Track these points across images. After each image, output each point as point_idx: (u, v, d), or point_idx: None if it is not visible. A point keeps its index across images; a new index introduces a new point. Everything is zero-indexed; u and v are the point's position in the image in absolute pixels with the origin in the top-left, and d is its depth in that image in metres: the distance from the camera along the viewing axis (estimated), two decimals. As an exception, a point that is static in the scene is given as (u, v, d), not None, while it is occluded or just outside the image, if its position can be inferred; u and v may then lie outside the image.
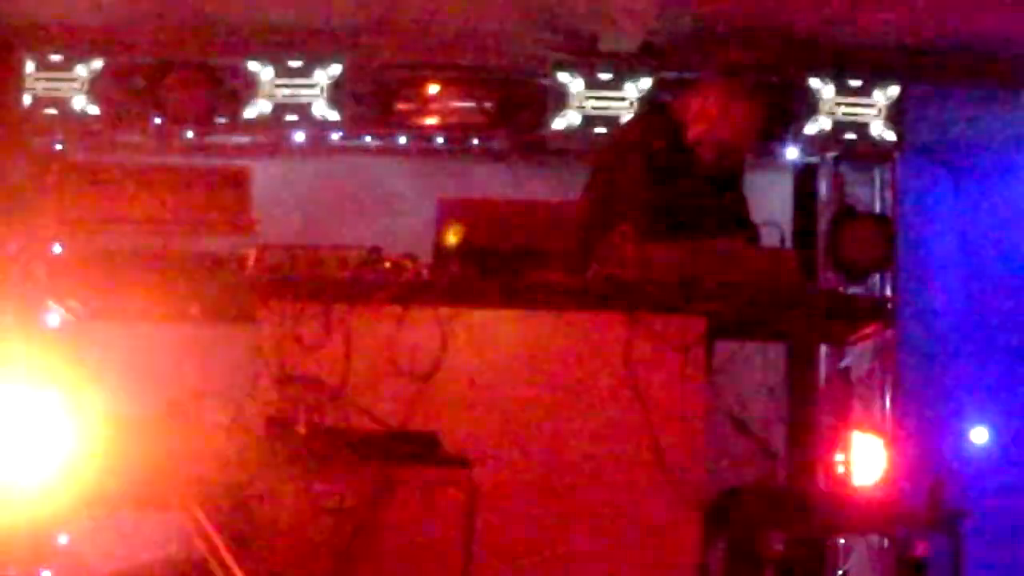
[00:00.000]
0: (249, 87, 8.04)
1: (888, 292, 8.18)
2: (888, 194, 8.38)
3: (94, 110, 7.99)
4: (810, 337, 6.77)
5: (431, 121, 8.24)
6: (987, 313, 8.45)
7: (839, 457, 8.09)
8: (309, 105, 8.06)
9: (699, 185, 5.55)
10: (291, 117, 8.07)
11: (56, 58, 7.98)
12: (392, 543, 4.71)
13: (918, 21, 7.89)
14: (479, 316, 4.88)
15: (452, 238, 4.86)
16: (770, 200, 7.53)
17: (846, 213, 8.34)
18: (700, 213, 5.37)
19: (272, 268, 4.82)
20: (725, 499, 5.06)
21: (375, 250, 4.88)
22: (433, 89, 8.22)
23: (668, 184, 5.45)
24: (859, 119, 8.21)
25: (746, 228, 5.53)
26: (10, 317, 7.99)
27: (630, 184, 5.47)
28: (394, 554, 4.73)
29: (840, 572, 8.12)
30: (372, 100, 8.24)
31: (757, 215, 5.65)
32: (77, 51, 7.99)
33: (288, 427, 4.30)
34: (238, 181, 4.90)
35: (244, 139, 8.18)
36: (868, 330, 5.86)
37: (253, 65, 8.04)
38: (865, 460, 8.04)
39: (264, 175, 8.02)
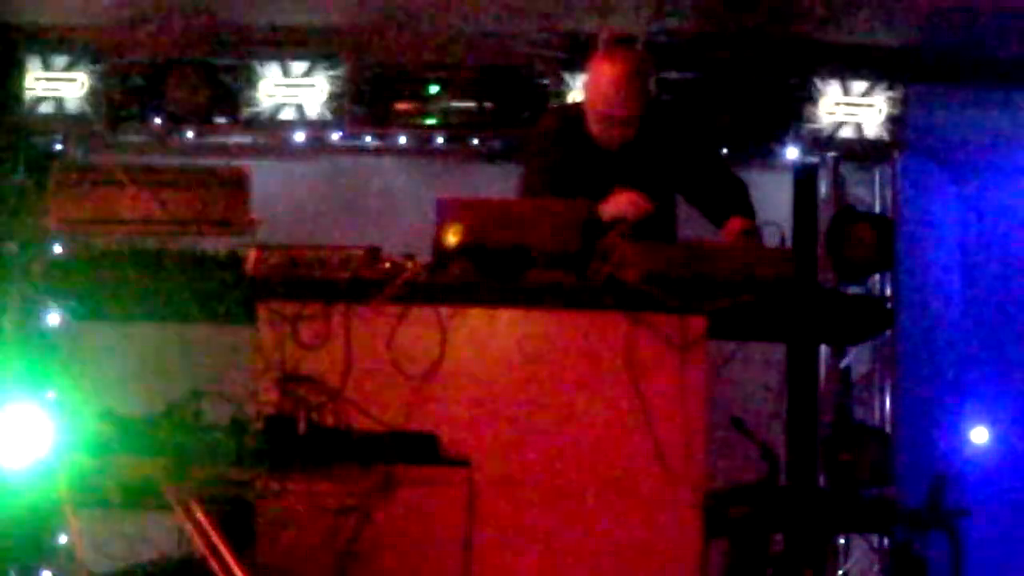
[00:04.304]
0: (249, 87, 8.05)
1: (888, 292, 8.18)
2: (888, 194, 8.37)
3: (94, 110, 7.99)
4: (810, 337, 6.77)
5: (431, 121, 8.24)
6: (987, 313, 8.45)
7: (839, 457, 8.10)
8: (309, 105, 8.06)
9: (604, 173, 5.50)
10: (291, 117, 8.07)
11: (56, 58, 7.98)
12: (392, 543, 4.72)
13: (918, 21, 7.90)
14: (479, 316, 4.88)
15: (452, 238, 4.85)
16: (770, 200, 7.52)
17: (846, 213, 8.34)
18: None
19: (272, 268, 4.82)
20: (725, 499, 5.06)
21: (375, 250, 4.88)
22: (433, 89, 8.23)
23: (566, 179, 5.45)
24: (859, 119, 8.20)
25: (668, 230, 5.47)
26: (10, 317, 7.99)
27: (529, 185, 5.60)
28: (394, 554, 4.73)
29: (840, 572, 8.12)
30: (372, 100, 8.24)
31: (757, 215, 5.63)
32: (77, 51, 7.99)
33: (288, 427, 4.29)
34: (238, 181, 4.88)
35: (244, 139, 8.19)
36: (868, 330, 5.86)
37: (253, 65, 8.05)
38: (861, 458, 8.05)
39: (264, 175, 8.00)
